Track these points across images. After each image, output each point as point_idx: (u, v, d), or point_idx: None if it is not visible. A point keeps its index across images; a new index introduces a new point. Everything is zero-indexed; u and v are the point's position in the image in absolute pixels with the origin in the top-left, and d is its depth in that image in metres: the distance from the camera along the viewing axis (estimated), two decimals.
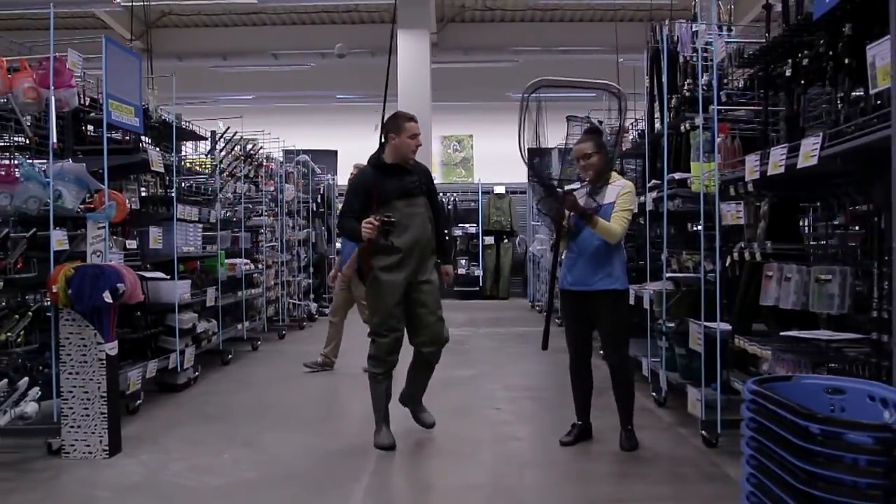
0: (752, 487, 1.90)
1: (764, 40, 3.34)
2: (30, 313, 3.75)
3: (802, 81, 2.94)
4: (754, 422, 1.92)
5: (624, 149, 5.56)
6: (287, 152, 9.26)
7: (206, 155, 6.91)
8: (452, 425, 4.29)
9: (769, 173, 2.88)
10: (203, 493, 3.30)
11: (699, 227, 4.44)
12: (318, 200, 10.64)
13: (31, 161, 4.01)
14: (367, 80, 13.27)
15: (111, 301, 3.73)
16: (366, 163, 4.03)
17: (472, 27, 12.56)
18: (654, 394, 4.84)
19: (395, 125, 3.84)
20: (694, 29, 4.26)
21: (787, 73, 3.00)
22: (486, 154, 14.04)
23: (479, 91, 13.01)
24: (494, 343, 7.86)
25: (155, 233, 4.99)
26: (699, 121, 3.78)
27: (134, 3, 8.43)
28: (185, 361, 5.30)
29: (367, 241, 3.72)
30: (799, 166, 2.63)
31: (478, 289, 13.30)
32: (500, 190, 13.15)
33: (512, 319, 10.18)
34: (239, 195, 7.17)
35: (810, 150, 2.55)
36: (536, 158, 4.77)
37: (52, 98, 3.86)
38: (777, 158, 2.82)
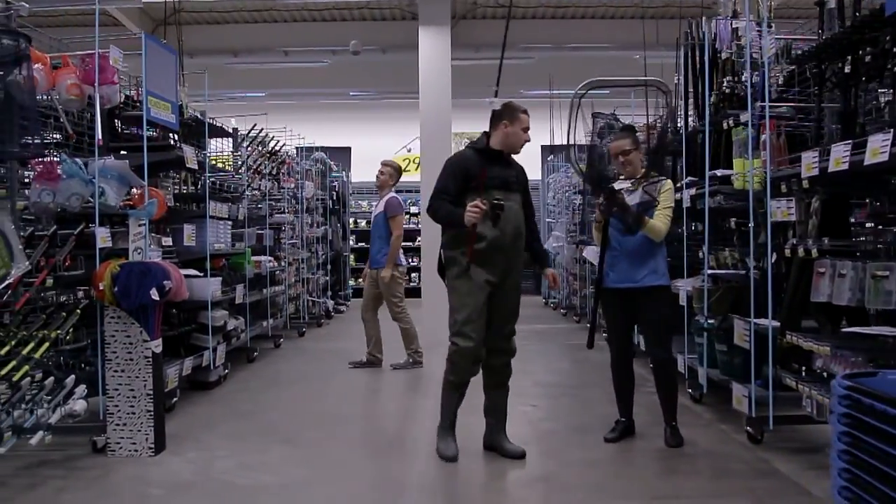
0: (846, 482, 1.90)
1: (816, 37, 3.34)
2: (78, 311, 3.73)
3: (864, 78, 2.94)
4: (848, 417, 1.92)
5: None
6: (304, 149, 9.24)
7: (233, 152, 6.89)
8: None
9: (830, 170, 2.88)
10: (258, 491, 3.29)
11: (733, 224, 4.45)
12: (334, 198, 10.63)
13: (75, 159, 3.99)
14: (380, 76, 13.25)
15: (158, 298, 3.72)
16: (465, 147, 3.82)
17: (485, 24, 12.46)
18: (689, 390, 4.84)
19: (510, 114, 3.65)
20: (735, 26, 4.25)
21: (847, 70, 2.99)
22: None
23: (493, 89, 12.95)
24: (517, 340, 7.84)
25: (189, 230, 4.98)
26: (746, 117, 3.77)
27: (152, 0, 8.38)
28: (217, 359, 5.30)
29: (472, 227, 3.46)
30: (866, 163, 2.63)
31: None
32: None
33: (528, 317, 10.11)
34: (264, 192, 7.17)
35: (879, 147, 2.55)
36: (581, 155, 4.78)
37: (97, 95, 3.84)
38: (840, 155, 2.81)
